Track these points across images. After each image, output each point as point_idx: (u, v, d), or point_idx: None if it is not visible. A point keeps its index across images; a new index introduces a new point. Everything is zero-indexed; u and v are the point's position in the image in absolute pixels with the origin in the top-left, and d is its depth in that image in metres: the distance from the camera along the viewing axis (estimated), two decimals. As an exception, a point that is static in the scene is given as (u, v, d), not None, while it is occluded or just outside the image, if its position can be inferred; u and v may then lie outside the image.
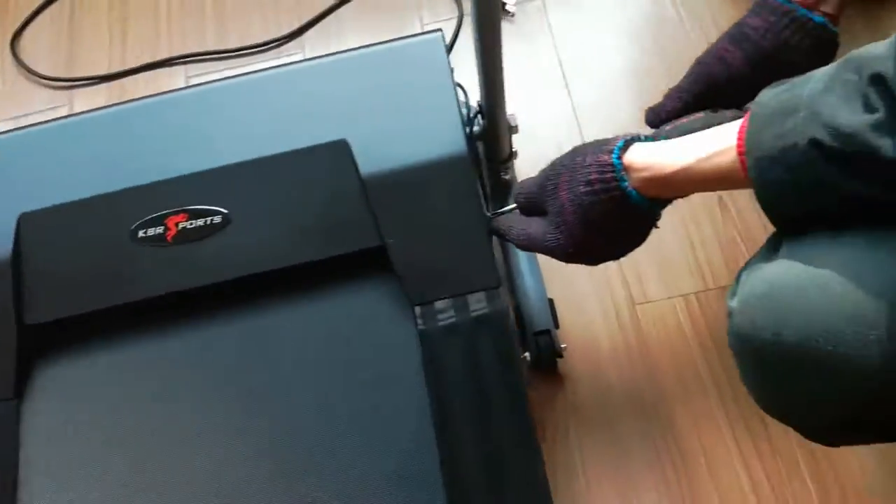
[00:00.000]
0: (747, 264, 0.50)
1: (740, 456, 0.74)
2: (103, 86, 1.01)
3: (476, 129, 0.76)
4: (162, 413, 0.69)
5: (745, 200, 0.84)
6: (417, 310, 0.69)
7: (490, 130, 0.74)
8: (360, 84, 0.72)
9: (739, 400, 0.76)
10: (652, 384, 0.78)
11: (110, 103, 0.82)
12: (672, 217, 0.84)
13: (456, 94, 0.70)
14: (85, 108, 0.73)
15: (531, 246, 0.63)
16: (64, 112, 1.00)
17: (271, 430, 0.67)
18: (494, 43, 0.65)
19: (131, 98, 0.78)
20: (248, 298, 0.72)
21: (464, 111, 0.75)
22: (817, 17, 0.60)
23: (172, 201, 0.71)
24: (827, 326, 0.43)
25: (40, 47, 1.06)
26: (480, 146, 0.79)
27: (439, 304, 0.69)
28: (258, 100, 0.73)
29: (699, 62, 0.65)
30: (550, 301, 0.80)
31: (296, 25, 1.00)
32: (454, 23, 0.99)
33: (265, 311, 0.72)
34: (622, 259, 0.81)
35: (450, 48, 0.97)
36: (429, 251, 0.69)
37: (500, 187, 0.84)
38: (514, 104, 0.93)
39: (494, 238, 0.68)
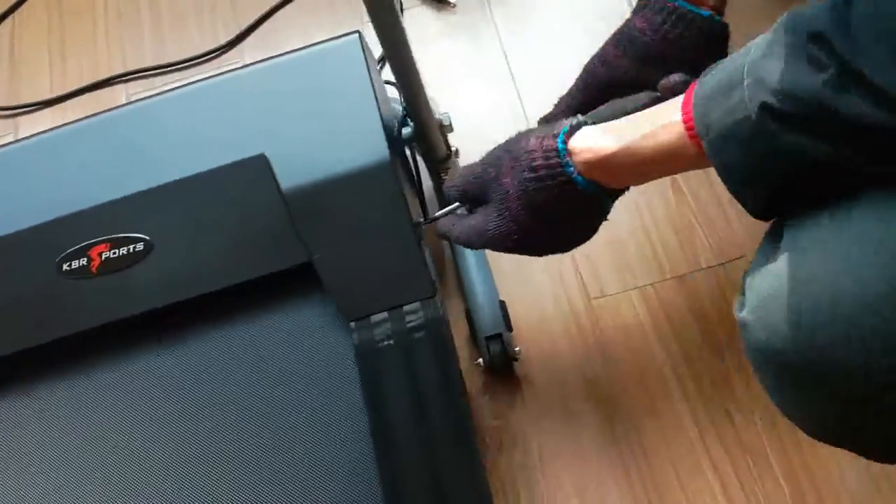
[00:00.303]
0: (751, 268, 0.46)
1: (706, 454, 0.70)
2: (47, 111, 0.99)
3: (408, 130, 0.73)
4: (95, 446, 0.67)
5: (698, 182, 0.80)
6: (352, 325, 0.66)
7: (419, 131, 0.71)
8: (278, 94, 0.69)
9: (703, 393, 0.72)
10: (612, 383, 0.74)
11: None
12: (625, 204, 0.80)
13: (377, 97, 0.67)
14: (30, 134, 0.71)
15: (475, 239, 0.60)
16: (10, 139, 0.98)
17: (206, 456, 0.65)
18: (398, 39, 0.61)
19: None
20: (179, 324, 0.70)
21: (400, 111, 0.73)
22: (703, 11, 0.57)
23: (94, 231, 0.69)
24: (851, 314, 0.38)
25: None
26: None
27: (374, 319, 0.66)
28: (176, 118, 0.70)
29: (585, 68, 0.63)
30: (502, 303, 0.76)
31: (234, 34, 0.97)
32: (396, 18, 0.95)
33: (196, 336, 0.70)
34: (576, 253, 0.79)
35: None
36: (358, 264, 0.66)
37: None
38: (459, 99, 0.91)
39: (442, 243, 0.65)
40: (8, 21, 1.07)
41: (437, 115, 0.72)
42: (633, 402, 0.73)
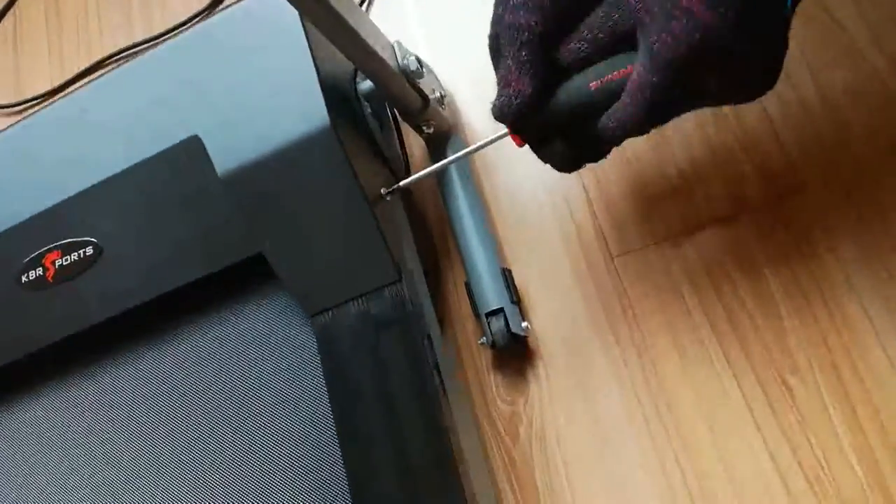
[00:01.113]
0: None
1: (758, 433, 0.58)
2: (47, 103, 0.96)
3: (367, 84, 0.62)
4: (67, 457, 0.64)
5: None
6: (315, 320, 0.58)
7: (375, 83, 0.60)
8: (207, 62, 0.60)
9: (753, 360, 0.59)
10: (640, 353, 0.62)
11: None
12: (651, 138, 0.67)
13: (312, 50, 0.57)
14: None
15: (646, 98, 0.43)
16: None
17: (171, 460, 0.61)
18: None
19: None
20: (138, 328, 0.65)
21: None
22: None
23: (44, 239, 0.64)
24: None
25: (-9, 76, 1.02)
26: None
27: (336, 311, 0.58)
28: (105, 109, 0.63)
29: None
30: (506, 272, 0.66)
31: (216, -7, 0.89)
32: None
33: (156, 339, 0.65)
34: (594, 203, 0.67)
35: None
36: (309, 252, 0.58)
37: (437, 143, 0.70)
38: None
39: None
40: (10, 16, 1.04)
41: (400, 61, 0.61)
42: (665, 375, 0.61)
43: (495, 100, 0.48)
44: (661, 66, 0.41)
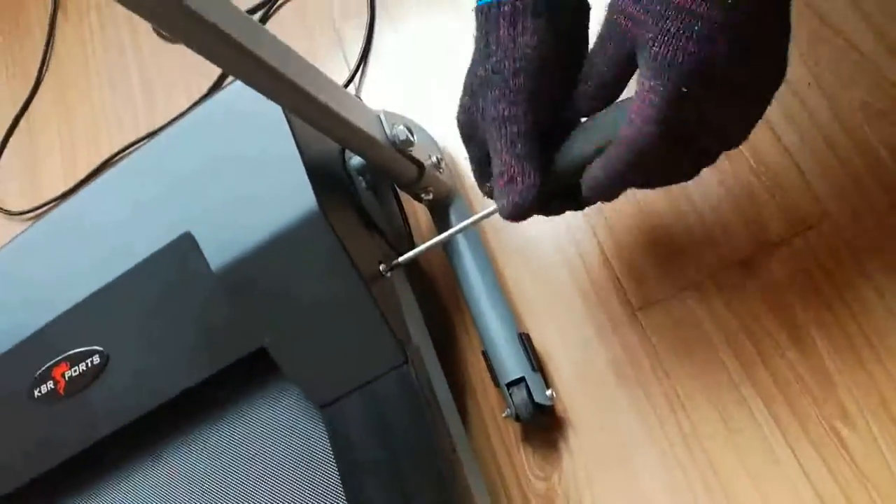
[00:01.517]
0: None
1: (811, 490, 0.53)
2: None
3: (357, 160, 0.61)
4: None
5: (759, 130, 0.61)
6: (324, 411, 0.56)
7: (364, 158, 0.59)
8: (191, 157, 0.60)
9: (796, 407, 0.54)
10: (675, 410, 0.58)
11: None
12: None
13: (294, 133, 0.55)
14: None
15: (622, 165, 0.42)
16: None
17: None
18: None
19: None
20: (150, 434, 0.63)
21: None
22: None
23: (51, 351, 0.63)
24: None
25: (10, 185, 1.03)
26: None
27: (344, 401, 0.55)
28: (103, 209, 0.63)
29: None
30: (525, 337, 0.62)
31: (215, 78, 0.89)
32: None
33: (166, 445, 0.63)
34: (611, 260, 0.64)
35: (363, 56, 0.81)
36: (311, 342, 0.55)
37: (439, 209, 0.68)
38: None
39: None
40: (23, 123, 1.06)
41: (388, 132, 0.59)
42: (702, 432, 0.57)
43: (501, 199, 0.45)
44: (663, 69, 0.37)
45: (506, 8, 0.42)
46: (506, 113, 0.43)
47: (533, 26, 0.42)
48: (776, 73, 0.40)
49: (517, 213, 0.45)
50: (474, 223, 0.54)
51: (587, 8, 0.45)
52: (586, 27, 0.46)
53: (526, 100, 0.43)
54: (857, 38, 0.59)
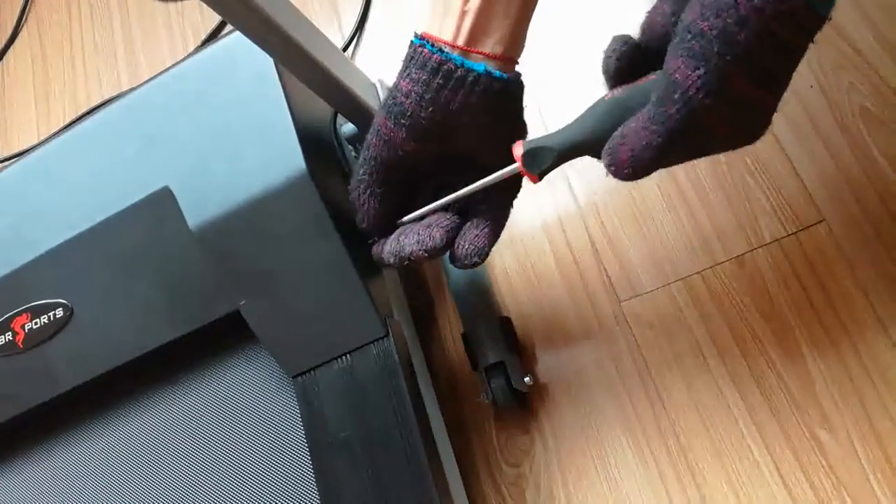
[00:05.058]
0: None
1: (788, 496, 0.52)
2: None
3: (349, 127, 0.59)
4: None
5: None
6: (296, 381, 0.54)
7: (357, 125, 0.57)
8: (177, 110, 0.57)
9: (777, 410, 0.54)
10: (653, 403, 0.57)
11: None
12: (657, 176, 0.62)
13: (287, 95, 0.53)
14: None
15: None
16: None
17: None
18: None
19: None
20: (112, 390, 0.61)
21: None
22: (477, 65, 0.41)
23: (13, 302, 0.60)
24: None
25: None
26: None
27: (318, 371, 0.53)
28: (79, 158, 0.60)
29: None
30: (505, 321, 0.61)
31: (203, 37, 0.86)
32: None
33: (132, 404, 0.61)
34: (601, 249, 0.63)
35: (358, 27, 0.79)
36: (288, 309, 0.53)
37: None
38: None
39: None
40: (-2, 68, 1.02)
41: (383, 100, 0.57)
42: (682, 428, 0.56)
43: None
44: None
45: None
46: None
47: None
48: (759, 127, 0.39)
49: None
50: (467, 195, 0.52)
51: None
52: None
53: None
54: (860, 43, 0.59)
